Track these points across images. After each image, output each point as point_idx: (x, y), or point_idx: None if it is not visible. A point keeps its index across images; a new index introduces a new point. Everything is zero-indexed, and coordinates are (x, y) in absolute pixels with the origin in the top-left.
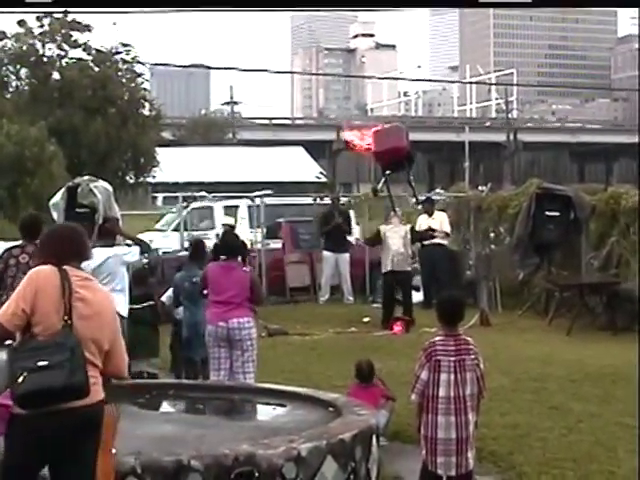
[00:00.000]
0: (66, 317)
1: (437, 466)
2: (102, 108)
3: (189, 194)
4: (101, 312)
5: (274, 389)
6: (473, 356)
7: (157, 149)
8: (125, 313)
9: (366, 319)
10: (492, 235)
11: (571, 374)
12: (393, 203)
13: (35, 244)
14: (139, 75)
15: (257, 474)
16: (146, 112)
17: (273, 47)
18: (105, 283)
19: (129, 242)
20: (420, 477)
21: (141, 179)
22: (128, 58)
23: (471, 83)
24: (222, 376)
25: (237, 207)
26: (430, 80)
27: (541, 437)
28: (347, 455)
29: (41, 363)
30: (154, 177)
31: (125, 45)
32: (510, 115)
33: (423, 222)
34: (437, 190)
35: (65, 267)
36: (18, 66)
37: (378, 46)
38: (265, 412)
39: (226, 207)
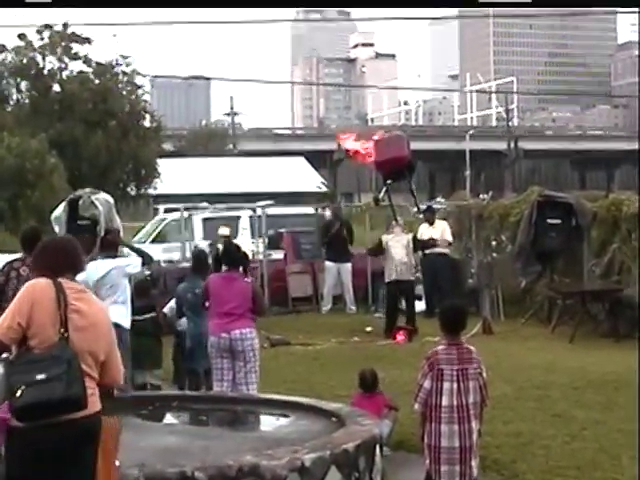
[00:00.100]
0: (62, 329)
1: (441, 475)
2: (103, 120)
3: (190, 205)
4: (97, 323)
5: (277, 400)
6: (476, 365)
7: (158, 161)
8: (127, 325)
9: (369, 329)
10: (494, 243)
11: (574, 381)
12: (395, 212)
13: None
14: (139, 87)
15: None
16: (147, 124)
17: (273, 57)
18: (107, 295)
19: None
20: None
21: (142, 191)
22: (128, 70)
23: (471, 92)
24: (225, 387)
25: (239, 217)
26: (430, 89)
27: (544, 445)
28: (351, 465)
29: (39, 376)
30: (155, 188)
31: (125, 57)
32: (511, 123)
33: (424, 231)
34: (438, 199)
35: (60, 279)
36: (19, 79)
37: (378, 56)
38: (268, 423)
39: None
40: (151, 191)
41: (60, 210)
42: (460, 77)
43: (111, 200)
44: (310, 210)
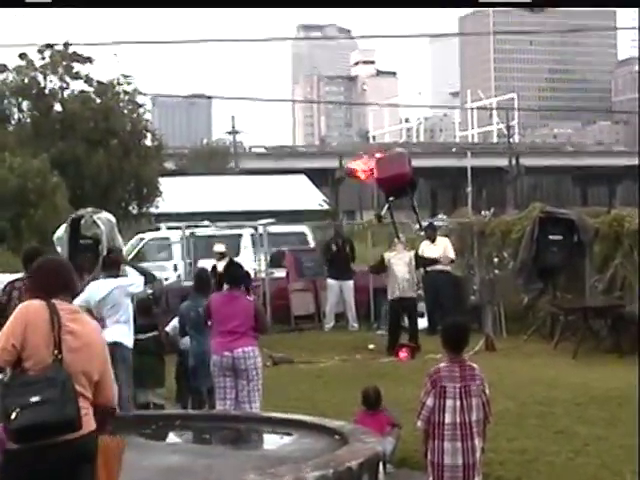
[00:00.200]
0: (56, 351)
1: None
2: (104, 140)
3: (192, 224)
4: (90, 344)
5: (280, 418)
6: (478, 382)
7: (160, 179)
8: (130, 344)
9: (371, 346)
10: (496, 260)
11: (577, 397)
12: (397, 229)
13: None
14: (141, 106)
15: None
16: (148, 143)
17: (274, 76)
18: (110, 314)
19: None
20: None
21: (144, 209)
22: (129, 89)
23: (472, 108)
24: (228, 406)
25: (240, 235)
26: (431, 106)
27: (548, 461)
28: None
29: (33, 399)
30: (157, 207)
31: (126, 76)
32: (512, 139)
33: (426, 248)
34: (440, 216)
35: (54, 300)
36: (20, 99)
37: (379, 73)
38: (271, 441)
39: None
40: (153, 210)
41: (62, 231)
42: (461, 94)
43: (113, 219)
44: (303, 228)
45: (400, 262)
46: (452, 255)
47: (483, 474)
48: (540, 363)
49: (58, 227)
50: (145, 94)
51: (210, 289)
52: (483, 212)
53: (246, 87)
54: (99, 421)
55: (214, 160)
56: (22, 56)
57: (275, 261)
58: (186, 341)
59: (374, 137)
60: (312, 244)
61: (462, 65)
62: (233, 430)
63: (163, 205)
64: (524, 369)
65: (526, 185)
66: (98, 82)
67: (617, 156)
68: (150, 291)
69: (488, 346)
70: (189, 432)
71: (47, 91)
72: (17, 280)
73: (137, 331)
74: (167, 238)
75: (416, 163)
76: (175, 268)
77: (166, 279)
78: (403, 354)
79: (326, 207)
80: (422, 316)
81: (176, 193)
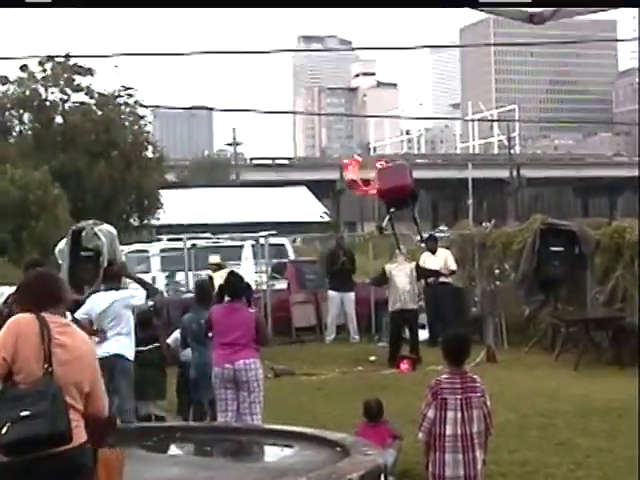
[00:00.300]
0: (46, 364)
1: None
2: (105, 151)
3: (193, 235)
4: (81, 356)
5: (281, 430)
6: (479, 394)
7: (161, 191)
8: (131, 356)
9: (372, 358)
10: (497, 271)
11: (578, 409)
12: (398, 241)
13: None
14: (142, 118)
15: None
16: (149, 154)
17: (275, 87)
18: (111, 326)
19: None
20: None
21: (145, 221)
22: (130, 101)
23: (473, 120)
24: (229, 417)
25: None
26: (432, 118)
27: (549, 473)
28: None
29: (24, 413)
30: (158, 219)
31: (127, 88)
32: (513, 151)
33: (426, 260)
34: (441, 227)
35: (43, 314)
36: (21, 111)
37: (379, 84)
38: (272, 453)
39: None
40: (154, 222)
41: (64, 243)
42: (462, 105)
43: (114, 231)
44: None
45: (401, 274)
46: (454, 266)
47: None
48: (541, 375)
49: (60, 240)
50: (146, 106)
51: (211, 301)
52: (484, 223)
53: (247, 99)
54: (95, 432)
55: (215, 172)
56: (23, 68)
57: (276, 272)
58: (187, 353)
59: (375, 148)
60: (292, 256)
61: (463, 76)
62: (234, 442)
63: (164, 217)
64: (525, 381)
65: (527, 196)
66: (99, 94)
67: (618, 167)
68: (151, 303)
69: (489, 358)
70: (190, 444)
71: (48, 103)
72: None
73: (138, 343)
74: (146, 250)
75: (417, 174)
76: (154, 280)
77: None
78: (404, 366)
79: (327, 219)
80: (423, 328)
81: (177, 205)
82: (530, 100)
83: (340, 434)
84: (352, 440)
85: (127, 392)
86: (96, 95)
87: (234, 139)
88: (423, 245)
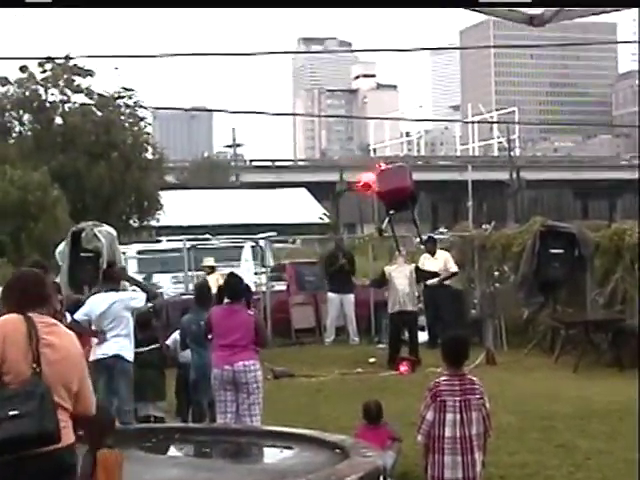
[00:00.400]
0: (34, 365)
1: None
2: (105, 153)
3: (193, 236)
4: (68, 356)
5: (280, 431)
6: (479, 396)
7: (160, 192)
8: (130, 357)
9: (372, 360)
10: (496, 273)
11: (578, 411)
12: (397, 243)
13: None
14: (142, 119)
15: None
16: (149, 156)
17: (275, 89)
18: (110, 328)
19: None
20: None
21: (145, 223)
22: (130, 102)
23: (473, 122)
24: (228, 419)
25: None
26: (432, 120)
27: (549, 475)
28: None
29: (12, 412)
30: (158, 220)
31: (127, 89)
32: (512, 153)
33: (426, 262)
34: (441, 229)
35: (30, 314)
36: (21, 111)
37: (379, 86)
38: (272, 455)
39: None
40: (154, 223)
41: (63, 245)
42: (462, 107)
43: (114, 232)
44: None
45: (401, 275)
46: (454, 268)
47: None
48: (541, 377)
49: (60, 241)
50: (146, 107)
51: (211, 302)
52: (484, 226)
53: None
54: (94, 434)
55: (215, 173)
56: (23, 69)
57: (276, 274)
58: (187, 354)
59: (375, 150)
60: (270, 261)
61: (463, 78)
62: (234, 444)
63: (164, 218)
64: (525, 383)
65: (527, 198)
66: (99, 95)
67: (617, 170)
68: (150, 304)
69: (489, 360)
70: (190, 445)
71: (48, 104)
72: None
73: (137, 345)
74: (123, 253)
75: (417, 176)
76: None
77: None
78: (404, 368)
79: (327, 220)
80: (422, 330)
81: (177, 206)
82: (530, 102)
83: (339, 436)
84: (351, 442)
85: (126, 393)
86: (96, 96)
87: (234, 140)
88: (423, 247)
